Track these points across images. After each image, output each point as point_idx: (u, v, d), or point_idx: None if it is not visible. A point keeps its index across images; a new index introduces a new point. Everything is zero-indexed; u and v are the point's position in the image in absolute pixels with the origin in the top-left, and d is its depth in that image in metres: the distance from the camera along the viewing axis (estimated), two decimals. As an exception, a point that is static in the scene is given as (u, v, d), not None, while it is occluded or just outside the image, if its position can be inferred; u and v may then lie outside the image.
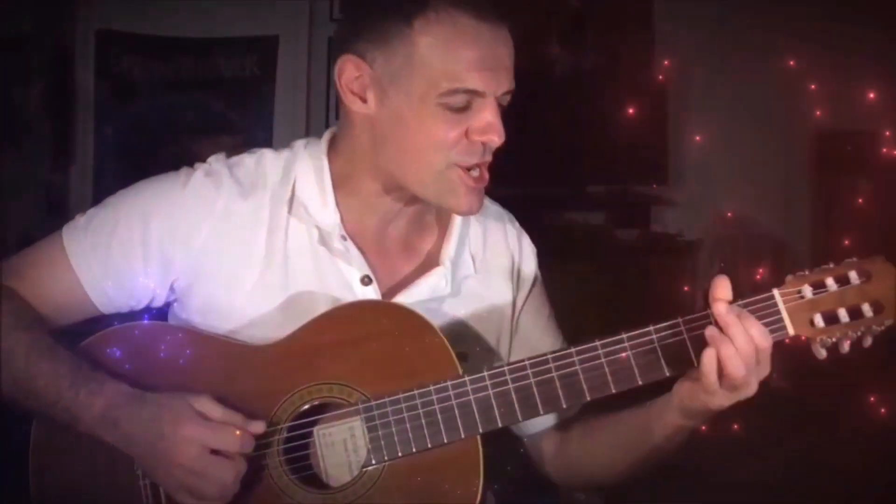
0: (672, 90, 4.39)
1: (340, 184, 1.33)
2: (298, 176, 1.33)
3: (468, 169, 1.26)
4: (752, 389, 1.18)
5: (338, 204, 1.32)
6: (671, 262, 4.29)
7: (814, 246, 4.43)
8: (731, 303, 1.19)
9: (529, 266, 1.46)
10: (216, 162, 1.34)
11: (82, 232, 1.31)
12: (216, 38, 4.13)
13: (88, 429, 1.22)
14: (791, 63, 4.36)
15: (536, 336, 1.44)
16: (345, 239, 1.31)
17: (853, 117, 4.33)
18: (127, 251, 1.29)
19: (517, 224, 1.49)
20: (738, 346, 1.15)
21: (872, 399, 3.24)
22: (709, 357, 1.15)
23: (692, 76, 4.48)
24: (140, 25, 4.08)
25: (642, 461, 1.32)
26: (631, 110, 4.28)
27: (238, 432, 1.18)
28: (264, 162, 1.35)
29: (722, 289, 1.19)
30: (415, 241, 1.38)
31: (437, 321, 1.31)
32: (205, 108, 4.15)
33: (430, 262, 1.37)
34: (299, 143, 1.38)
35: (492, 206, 1.47)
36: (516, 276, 1.44)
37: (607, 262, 4.01)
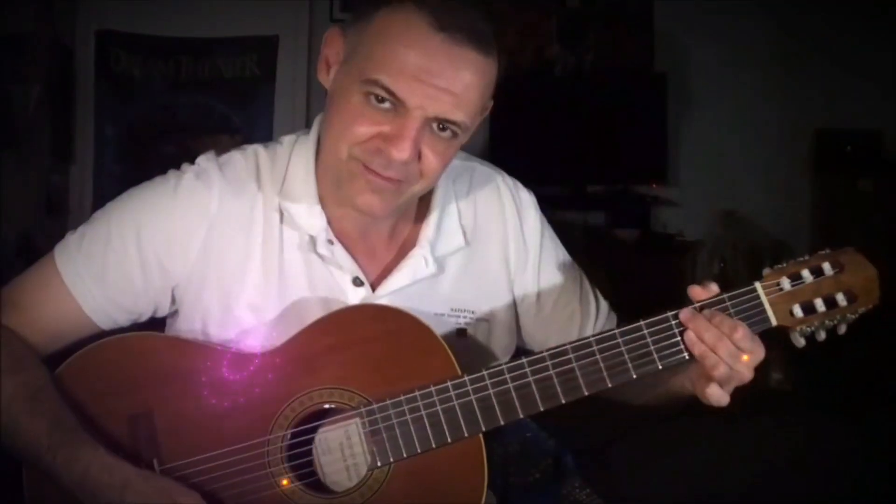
0: (672, 90, 4.39)
1: (323, 185, 1.30)
2: (286, 179, 1.31)
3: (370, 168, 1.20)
4: (746, 377, 1.20)
5: (324, 207, 1.29)
6: (671, 262, 4.29)
7: (813, 246, 4.42)
8: (709, 301, 1.22)
9: (531, 218, 1.41)
10: (206, 161, 1.31)
11: (75, 251, 1.27)
12: (216, 38, 4.13)
13: (68, 489, 1.18)
14: (791, 63, 4.36)
15: (560, 284, 1.42)
16: (331, 243, 1.29)
17: (853, 117, 4.34)
18: (123, 267, 1.26)
19: (509, 179, 1.42)
20: (709, 342, 1.17)
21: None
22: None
23: (692, 76, 4.49)
24: (140, 25, 4.08)
25: (657, 409, 1.37)
26: (631, 110, 4.29)
27: None
28: (254, 160, 1.32)
29: (695, 295, 1.22)
30: (398, 230, 1.35)
31: (428, 303, 1.30)
32: (205, 108, 4.16)
33: (409, 245, 1.34)
34: (287, 141, 1.35)
35: (480, 168, 1.41)
36: (521, 236, 1.40)
37: (607, 262, 4.01)
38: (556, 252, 1.44)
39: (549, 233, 1.44)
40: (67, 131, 4.07)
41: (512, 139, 4.00)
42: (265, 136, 4.07)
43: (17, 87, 3.66)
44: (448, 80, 1.15)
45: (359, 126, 1.18)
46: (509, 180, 1.43)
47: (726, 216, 4.49)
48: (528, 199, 1.43)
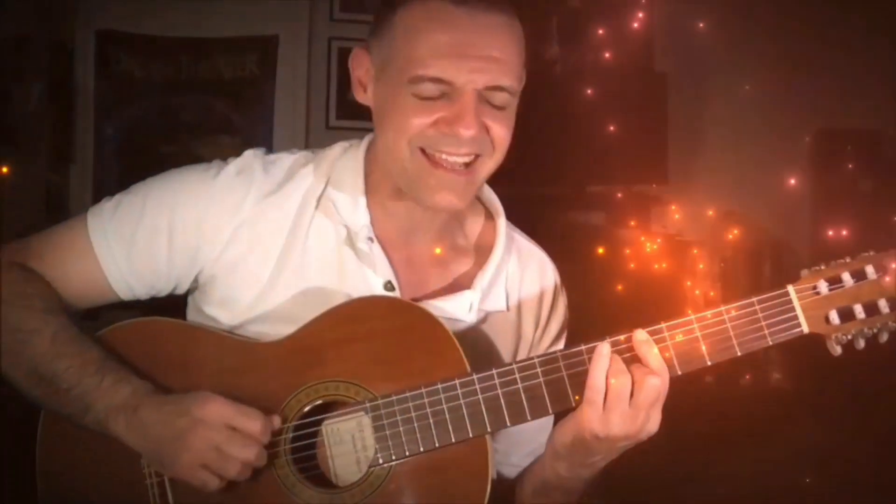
0: (672, 90, 4.39)
1: (370, 184, 1.32)
2: (333, 175, 1.32)
3: (439, 156, 1.22)
4: (634, 428, 1.16)
5: (368, 206, 1.30)
6: (671, 262, 4.29)
7: (813, 246, 4.43)
8: (730, 307, 1.18)
9: (552, 330, 1.42)
10: (253, 158, 1.32)
11: (108, 218, 1.30)
12: (216, 38, 4.13)
13: (101, 415, 1.20)
14: (791, 63, 4.36)
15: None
16: (372, 241, 1.29)
17: (853, 117, 4.34)
18: (151, 243, 1.28)
19: (559, 279, 1.44)
20: (655, 367, 1.15)
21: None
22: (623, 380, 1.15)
23: (692, 76, 4.48)
24: (140, 25, 4.08)
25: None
26: (631, 110, 4.28)
27: (261, 418, 1.18)
28: (302, 161, 1.34)
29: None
30: (447, 261, 1.36)
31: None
32: (205, 108, 4.15)
33: (460, 284, 1.34)
34: (341, 144, 1.37)
35: (537, 252, 1.44)
36: (541, 332, 1.41)
37: (607, 262, 4.01)
38: None
39: (563, 340, 1.44)
40: (67, 131, 4.06)
41: (512, 139, 3.99)
42: (265, 136, 4.07)
43: (17, 87, 3.66)
44: (485, 48, 1.18)
45: (414, 118, 1.20)
46: (559, 281, 1.44)
47: (726, 216, 4.48)
48: (561, 309, 1.44)
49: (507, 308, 1.37)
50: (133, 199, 1.31)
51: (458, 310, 1.31)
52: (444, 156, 1.22)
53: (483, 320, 1.34)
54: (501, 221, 1.39)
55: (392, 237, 1.32)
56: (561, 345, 1.42)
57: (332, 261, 1.29)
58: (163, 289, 1.32)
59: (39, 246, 1.30)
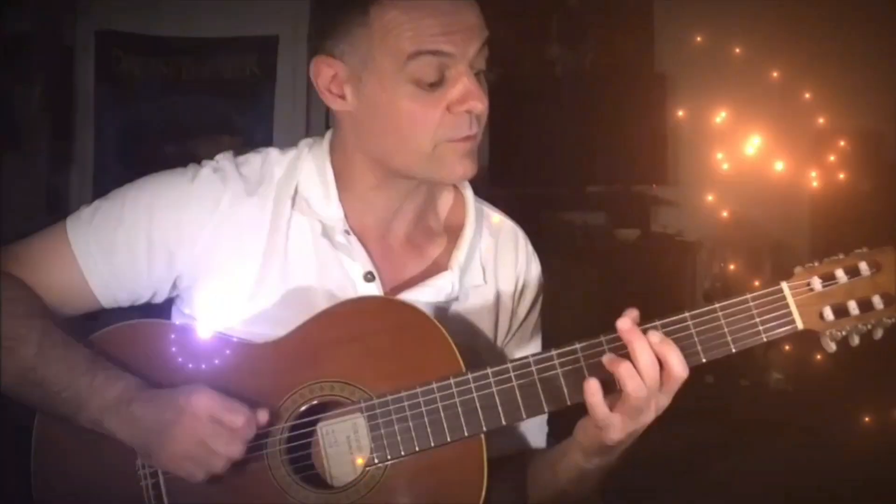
0: (672, 90, 4.40)
1: (341, 180, 1.32)
2: (302, 172, 1.33)
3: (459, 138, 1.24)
4: (648, 417, 1.16)
5: (341, 200, 1.31)
6: (671, 262, 4.30)
7: (813, 245, 4.43)
8: (729, 303, 1.18)
9: (528, 295, 1.43)
10: (224, 159, 1.33)
11: (87, 224, 1.30)
12: (216, 38, 4.13)
13: (94, 414, 1.20)
14: (791, 63, 4.37)
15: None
16: (348, 233, 1.30)
17: (853, 117, 4.34)
18: (131, 246, 1.28)
19: (530, 245, 1.45)
20: (641, 366, 1.14)
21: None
22: (593, 387, 1.14)
23: (692, 76, 4.49)
24: (140, 25, 4.08)
25: (549, 501, 1.33)
26: (631, 110, 4.29)
27: (246, 413, 1.18)
28: (270, 160, 1.35)
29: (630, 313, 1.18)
30: (422, 245, 1.37)
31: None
32: (205, 108, 4.15)
33: (438, 266, 1.35)
34: (305, 142, 1.38)
35: (506, 221, 1.44)
36: (517, 299, 1.41)
37: (607, 262, 4.01)
38: (530, 336, 1.44)
39: (535, 322, 1.44)
40: (67, 131, 4.07)
41: (512, 139, 4.01)
42: (265, 136, 4.07)
43: (17, 87, 3.67)
44: (466, 18, 1.21)
45: (428, 111, 1.21)
46: (530, 247, 1.45)
47: (726, 216, 4.49)
48: (535, 273, 1.44)
49: (485, 281, 1.38)
50: (111, 205, 1.31)
51: (440, 293, 1.32)
52: (462, 139, 1.24)
53: (465, 297, 1.36)
54: (469, 195, 1.40)
55: (367, 229, 1.33)
56: (537, 310, 1.44)
57: (311, 257, 1.30)
58: (142, 295, 1.32)
59: (19, 253, 1.30)
